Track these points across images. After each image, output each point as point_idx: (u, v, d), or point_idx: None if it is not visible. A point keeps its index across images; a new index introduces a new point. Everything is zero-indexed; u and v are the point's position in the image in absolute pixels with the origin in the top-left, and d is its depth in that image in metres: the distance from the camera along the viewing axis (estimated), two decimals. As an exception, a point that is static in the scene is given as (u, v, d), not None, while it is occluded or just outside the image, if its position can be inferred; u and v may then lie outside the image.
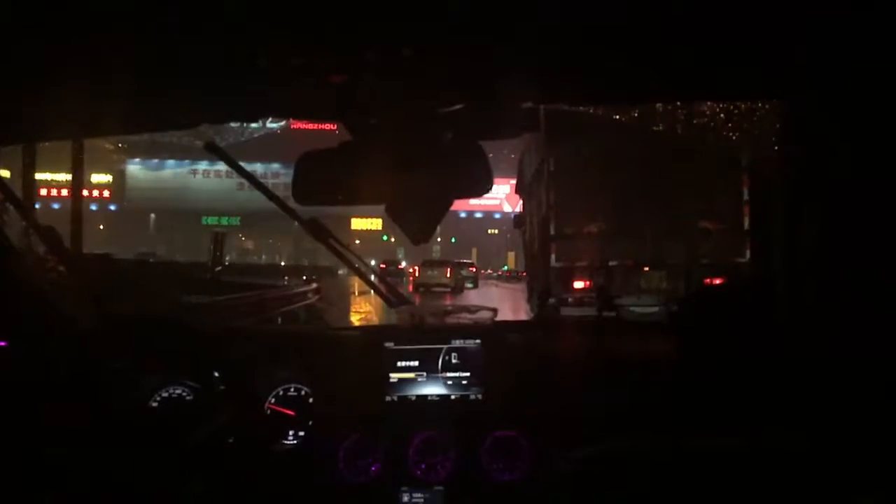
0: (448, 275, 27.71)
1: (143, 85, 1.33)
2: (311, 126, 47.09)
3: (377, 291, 2.49)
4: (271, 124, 52.78)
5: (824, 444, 0.98)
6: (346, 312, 17.44)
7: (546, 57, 1.23)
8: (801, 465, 0.98)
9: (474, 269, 36.43)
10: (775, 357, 1.23)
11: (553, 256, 9.94)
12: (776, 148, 1.24)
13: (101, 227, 52.66)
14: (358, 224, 57.55)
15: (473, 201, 58.65)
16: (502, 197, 53.84)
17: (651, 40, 1.17)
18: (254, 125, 52.31)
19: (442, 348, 2.10)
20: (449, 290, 26.63)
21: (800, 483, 0.97)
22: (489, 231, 61.18)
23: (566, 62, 1.27)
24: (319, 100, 1.44)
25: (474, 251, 51.36)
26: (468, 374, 2.08)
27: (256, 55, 1.22)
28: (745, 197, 9.01)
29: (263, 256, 64.63)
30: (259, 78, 1.31)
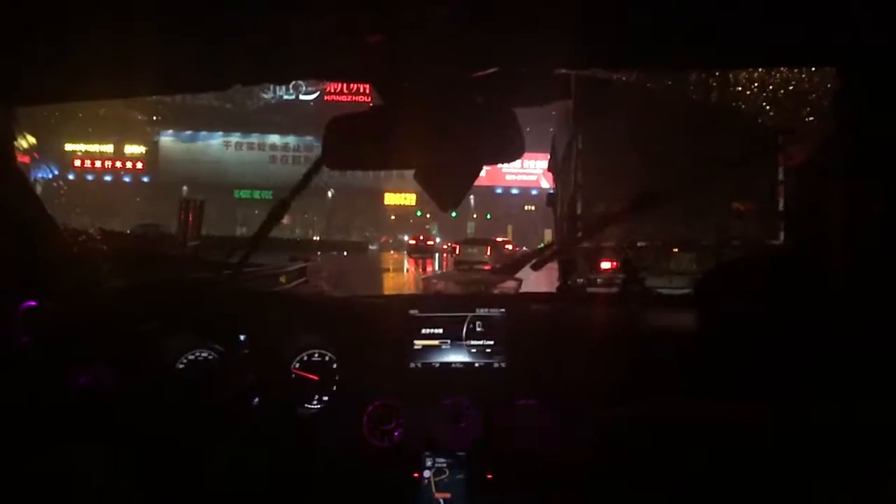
0: (488, 252, 28.33)
1: (175, 44, 1.33)
2: (344, 98, 47.05)
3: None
4: (304, 96, 52.98)
5: (858, 418, 0.97)
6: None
7: (585, 19, 1.20)
8: (831, 439, 0.97)
9: (511, 247, 36.53)
10: (804, 330, 1.22)
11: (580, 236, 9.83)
12: (834, 116, 1.19)
13: (138, 199, 52.98)
14: (391, 199, 57.22)
15: (510, 177, 57.95)
16: (539, 173, 52.89)
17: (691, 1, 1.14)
18: (286, 96, 52.53)
19: (466, 316, 2.10)
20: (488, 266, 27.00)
21: (830, 454, 0.96)
22: (525, 207, 59.91)
23: (606, 24, 1.24)
24: (354, 61, 1.43)
25: (510, 228, 50.67)
26: (492, 342, 2.09)
27: (293, 12, 1.21)
28: (780, 177, 8.83)
29: (297, 230, 64.85)
30: (295, 37, 1.30)
